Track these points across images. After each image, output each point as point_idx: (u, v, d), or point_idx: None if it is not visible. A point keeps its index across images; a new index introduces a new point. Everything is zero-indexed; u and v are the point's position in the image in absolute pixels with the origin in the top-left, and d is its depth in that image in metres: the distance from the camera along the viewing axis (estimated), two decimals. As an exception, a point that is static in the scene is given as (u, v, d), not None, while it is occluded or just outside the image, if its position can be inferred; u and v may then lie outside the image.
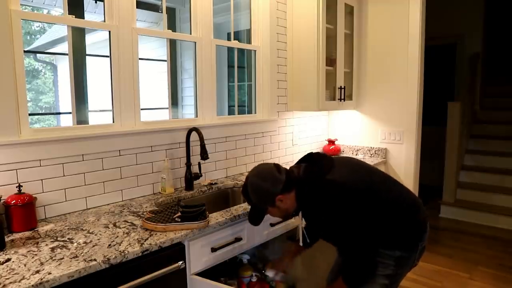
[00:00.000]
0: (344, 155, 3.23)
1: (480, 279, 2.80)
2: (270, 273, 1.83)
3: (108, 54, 1.85)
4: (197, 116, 2.32)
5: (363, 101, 3.18)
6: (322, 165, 1.45)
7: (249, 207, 1.55)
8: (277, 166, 1.45)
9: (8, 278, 1.06)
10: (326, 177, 1.40)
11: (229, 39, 2.53)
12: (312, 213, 1.45)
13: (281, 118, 2.84)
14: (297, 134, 3.02)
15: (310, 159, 1.51)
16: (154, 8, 4.06)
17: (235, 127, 2.46)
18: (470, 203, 4.25)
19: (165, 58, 2.18)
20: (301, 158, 1.54)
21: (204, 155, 1.94)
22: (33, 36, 5.77)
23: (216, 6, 2.38)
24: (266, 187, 1.41)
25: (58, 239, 1.37)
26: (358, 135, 3.22)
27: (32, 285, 1.03)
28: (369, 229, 1.37)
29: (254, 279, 1.87)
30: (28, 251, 1.25)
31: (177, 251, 1.43)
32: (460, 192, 4.41)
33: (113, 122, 1.88)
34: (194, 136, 2.14)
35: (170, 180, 2.03)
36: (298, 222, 2.08)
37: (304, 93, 2.80)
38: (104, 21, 1.84)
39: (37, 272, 1.10)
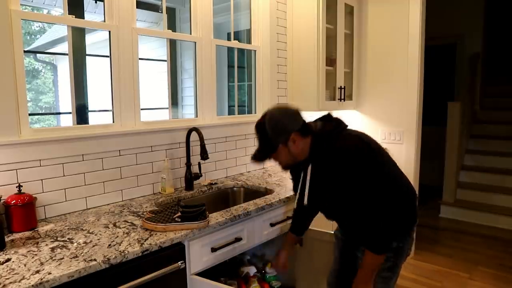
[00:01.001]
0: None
1: (480, 279, 2.80)
2: (270, 271, 1.85)
3: (108, 54, 1.85)
4: (197, 116, 2.32)
5: (363, 101, 3.18)
6: (340, 122, 1.46)
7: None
8: (297, 109, 1.45)
9: (8, 278, 1.06)
10: (342, 132, 1.41)
11: (229, 39, 2.53)
12: (324, 167, 1.39)
13: (281, 118, 2.83)
14: (297, 134, 3.01)
15: (326, 118, 1.50)
16: (154, 8, 4.06)
17: (235, 127, 2.46)
18: (470, 203, 4.25)
19: (165, 58, 2.18)
20: (317, 118, 1.53)
21: (204, 155, 1.94)
22: (33, 36, 5.77)
23: (216, 6, 2.38)
24: (284, 121, 1.38)
25: (58, 239, 1.37)
26: (358, 135, 3.22)
27: (32, 285, 1.03)
28: (378, 197, 1.33)
29: (251, 273, 1.87)
30: (28, 251, 1.25)
31: (177, 251, 1.43)
32: (460, 192, 4.41)
33: (113, 122, 1.88)
34: (194, 136, 2.14)
35: (170, 180, 2.03)
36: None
37: (304, 93, 2.80)
38: (104, 21, 1.84)
39: (37, 272, 1.10)
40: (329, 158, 1.36)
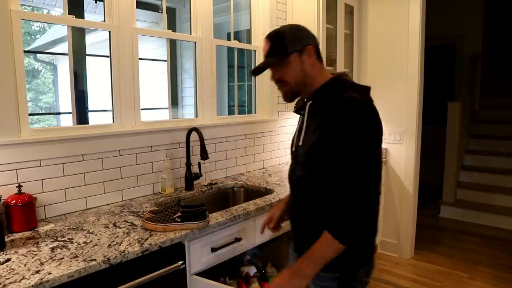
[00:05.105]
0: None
1: (480, 279, 2.80)
2: (270, 271, 1.84)
3: (108, 54, 1.85)
4: (197, 116, 2.32)
5: (363, 101, 3.18)
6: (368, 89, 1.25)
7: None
8: None
9: (8, 278, 1.06)
10: (363, 89, 1.23)
11: (229, 39, 2.53)
12: (325, 111, 1.12)
13: (281, 118, 2.84)
14: (297, 134, 3.01)
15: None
16: (154, 8, 4.07)
17: (235, 127, 2.46)
18: (470, 203, 4.25)
19: (165, 58, 2.18)
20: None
21: (204, 155, 1.94)
22: (33, 36, 5.78)
23: (216, 6, 2.38)
24: (304, 30, 1.20)
25: (58, 239, 1.37)
26: (358, 135, 3.22)
27: (32, 285, 1.03)
28: (368, 176, 1.06)
29: (251, 273, 1.87)
30: (28, 251, 1.25)
31: (177, 251, 1.43)
32: (460, 192, 4.41)
33: (113, 122, 1.88)
34: (194, 136, 2.14)
35: (170, 180, 2.03)
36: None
37: (304, 93, 2.80)
38: (104, 21, 1.84)
39: (37, 272, 1.10)
40: (335, 103, 1.11)
